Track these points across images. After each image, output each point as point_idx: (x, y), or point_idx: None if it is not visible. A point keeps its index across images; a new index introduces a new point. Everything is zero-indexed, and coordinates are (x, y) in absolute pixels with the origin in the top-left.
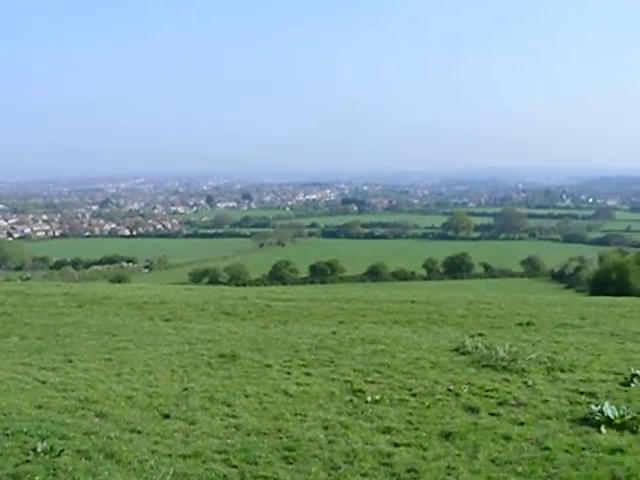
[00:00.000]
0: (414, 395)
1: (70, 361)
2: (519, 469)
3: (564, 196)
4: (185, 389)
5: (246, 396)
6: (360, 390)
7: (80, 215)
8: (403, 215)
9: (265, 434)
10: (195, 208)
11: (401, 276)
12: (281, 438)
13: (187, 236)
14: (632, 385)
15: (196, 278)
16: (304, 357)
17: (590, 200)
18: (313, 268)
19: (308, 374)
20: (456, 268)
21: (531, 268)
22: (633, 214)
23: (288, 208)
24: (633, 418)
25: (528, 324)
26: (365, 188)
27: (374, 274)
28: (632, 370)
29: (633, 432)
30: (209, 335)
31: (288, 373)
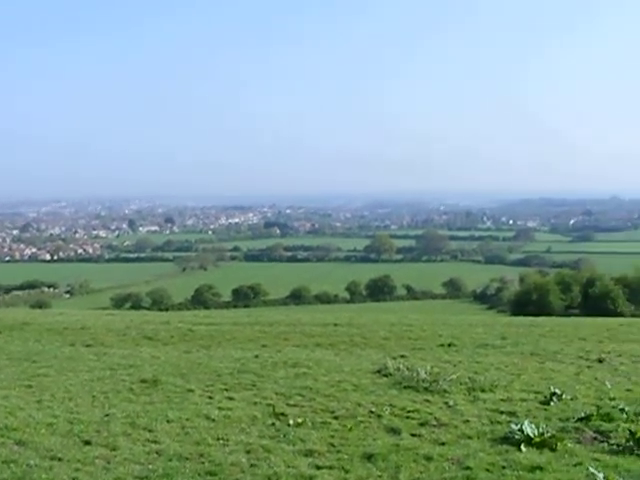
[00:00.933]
0: (336, 418)
1: None
2: None
3: (485, 218)
4: (106, 415)
5: (168, 421)
6: (282, 413)
7: (0, 240)
8: (326, 238)
9: (187, 459)
10: (117, 232)
11: (324, 299)
12: (203, 463)
13: (109, 260)
14: (551, 404)
15: (118, 303)
16: (226, 381)
17: (511, 222)
18: (236, 292)
19: (230, 398)
20: (379, 290)
21: (453, 289)
22: (553, 235)
23: (211, 232)
24: (552, 436)
25: (450, 345)
26: (288, 211)
27: (297, 297)
28: (551, 389)
29: (552, 450)
30: (131, 360)
31: (210, 397)
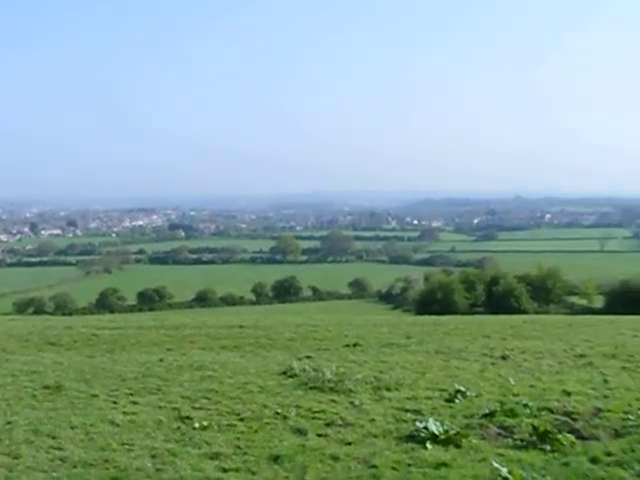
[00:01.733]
0: (242, 420)
1: None
2: None
3: (390, 218)
4: (8, 422)
5: (72, 427)
6: (188, 417)
7: None
8: (231, 240)
9: (92, 465)
10: (19, 236)
11: (230, 301)
12: (108, 469)
13: (10, 265)
14: (456, 401)
15: (21, 308)
16: (131, 386)
17: (415, 222)
18: (141, 295)
19: (135, 403)
20: (284, 292)
21: (358, 290)
22: (457, 235)
23: (115, 234)
24: (457, 433)
25: (355, 345)
26: (192, 213)
27: (203, 300)
28: (456, 386)
29: (457, 446)
30: (33, 366)
31: (115, 403)
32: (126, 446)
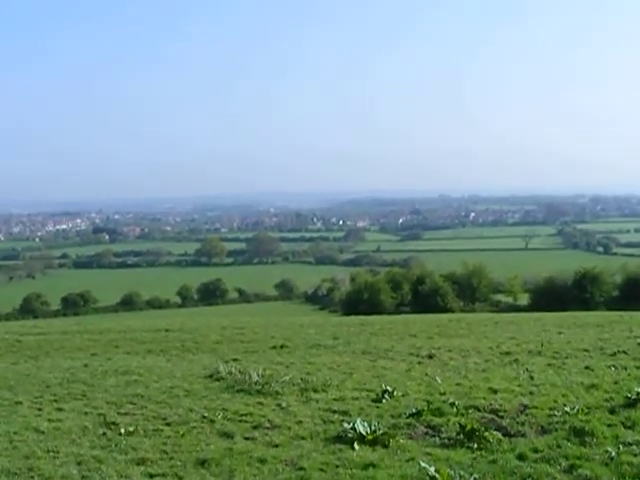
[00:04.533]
0: (168, 424)
1: None
2: None
3: (315, 219)
4: None
5: None
6: (113, 422)
7: None
8: (156, 243)
9: (16, 474)
10: None
11: (155, 304)
12: (33, 477)
13: None
14: (383, 401)
15: None
16: (56, 392)
17: (341, 222)
18: (65, 300)
19: (60, 409)
20: (210, 294)
21: (285, 291)
22: (382, 234)
23: (38, 239)
24: (384, 433)
25: (282, 347)
26: (116, 217)
27: (128, 303)
28: (383, 386)
29: (385, 446)
30: None
31: (39, 409)
32: (51, 454)
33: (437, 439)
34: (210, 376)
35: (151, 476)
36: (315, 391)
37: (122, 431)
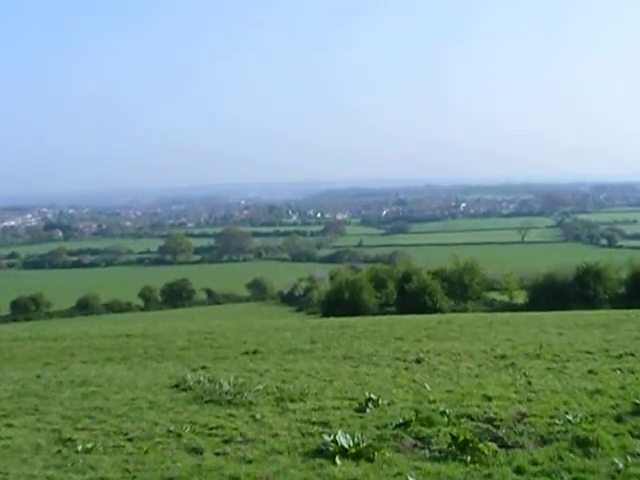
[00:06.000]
0: (130, 440)
1: None
2: None
3: (290, 212)
4: None
5: None
6: (70, 439)
7: None
8: (115, 240)
9: None
10: None
11: (115, 308)
12: None
13: None
14: (367, 410)
15: None
16: (5, 407)
17: (318, 215)
18: (15, 304)
19: (10, 425)
20: (176, 296)
21: (258, 291)
22: (364, 228)
23: None
24: (369, 446)
25: (255, 352)
26: (71, 211)
27: (84, 307)
28: (367, 394)
29: (370, 460)
30: None
31: None
32: (0, 475)
33: (427, 451)
34: (176, 386)
35: None
36: (292, 401)
37: (79, 448)
